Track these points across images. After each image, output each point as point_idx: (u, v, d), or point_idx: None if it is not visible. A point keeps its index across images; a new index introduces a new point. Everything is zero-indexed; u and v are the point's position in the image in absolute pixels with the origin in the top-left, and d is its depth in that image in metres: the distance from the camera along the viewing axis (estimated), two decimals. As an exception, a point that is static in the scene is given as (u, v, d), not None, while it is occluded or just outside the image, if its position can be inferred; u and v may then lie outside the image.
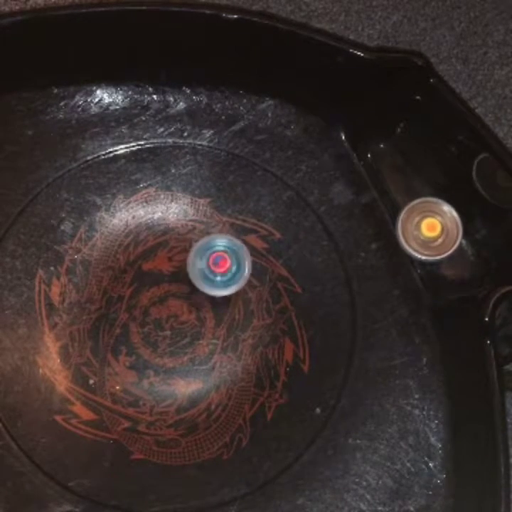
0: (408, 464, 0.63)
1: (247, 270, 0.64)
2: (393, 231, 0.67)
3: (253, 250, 0.67)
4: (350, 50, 0.64)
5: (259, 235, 0.68)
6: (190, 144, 0.69)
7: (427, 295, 0.67)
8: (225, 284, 0.64)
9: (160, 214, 0.68)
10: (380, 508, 0.62)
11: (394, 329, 0.66)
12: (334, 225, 0.68)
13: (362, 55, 0.64)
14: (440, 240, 0.65)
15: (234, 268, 0.64)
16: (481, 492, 0.59)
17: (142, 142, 0.69)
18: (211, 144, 0.69)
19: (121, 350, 0.66)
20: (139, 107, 0.69)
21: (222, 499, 0.62)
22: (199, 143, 0.69)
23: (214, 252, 0.64)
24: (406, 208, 0.66)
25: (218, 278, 0.64)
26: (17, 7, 0.76)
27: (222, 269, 0.64)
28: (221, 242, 0.65)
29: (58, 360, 0.65)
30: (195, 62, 0.67)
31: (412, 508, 0.62)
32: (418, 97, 0.66)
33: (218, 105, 0.69)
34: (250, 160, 0.69)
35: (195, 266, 0.64)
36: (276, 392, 0.65)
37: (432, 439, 0.63)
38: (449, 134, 0.65)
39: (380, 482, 0.63)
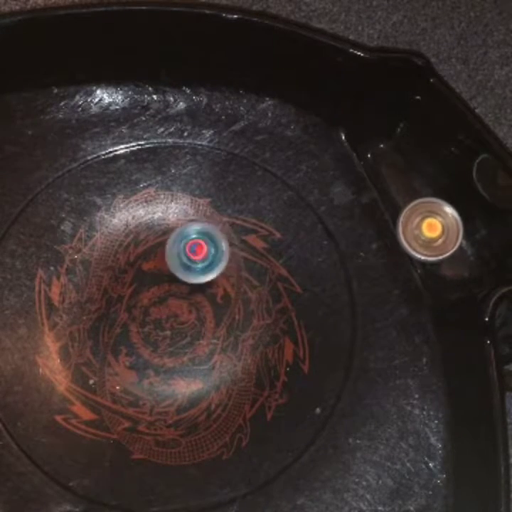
0: (408, 464, 0.63)
1: (225, 249, 0.64)
2: (393, 231, 0.67)
3: (253, 250, 0.67)
4: (350, 50, 0.64)
5: (259, 235, 0.68)
6: (190, 143, 0.69)
7: (427, 295, 0.67)
8: (208, 269, 0.64)
9: (160, 214, 0.68)
10: (380, 508, 0.62)
11: (394, 329, 0.66)
12: (334, 225, 0.68)
13: (362, 55, 0.64)
14: (441, 241, 0.65)
15: (212, 251, 0.64)
16: (481, 492, 0.59)
17: (142, 142, 0.69)
18: (211, 144, 0.69)
19: (121, 350, 0.66)
20: (139, 107, 0.69)
21: (222, 499, 0.62)
22: (199, 143, 0.69)
23: (189, 241, 0.64)
24: (407, 208, 0.66)
25: (199, 265, 0.64)
26: (17, 7, 0.76)
27: (200, 256, 0.64)
28: (193, 229, 0.65)
29: (58, 360, 0.65)
30: (195, 62, 0.67)
31: (412, 508, 0.62)
32: (418, 97, 0.66)
33: (218, 105, 0.69)
34: (250, 160, 0.69)
35: (174, 259, 0.64)
36: (276, 392, 0.65)
37: (432, 439, 0.63)
38: (449, 134, 0.65)
39: (380, 482, 0.63)
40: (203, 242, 0.64)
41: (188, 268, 0.64)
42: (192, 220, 0.68)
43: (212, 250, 0.64)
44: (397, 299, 0.67)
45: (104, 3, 0.66)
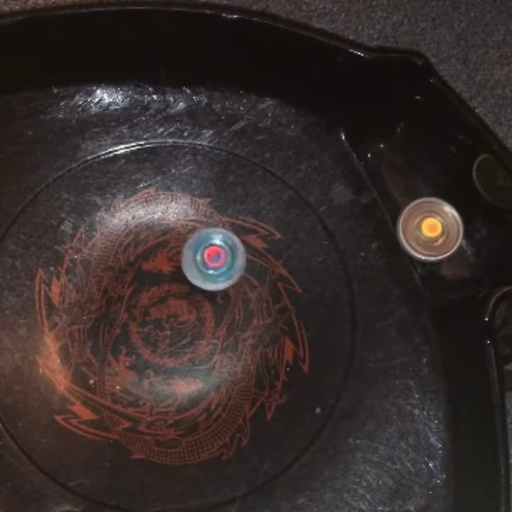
0: (408, 464, 0.63)
1: (241, 264, 0.64)
2: (393, 231, 0.67)
3: (253, 250, 0.67)
4: (350, 50, 0.64)
5: (259, 235, 0.68)
6: (190, 143, 0.69)
7: (427, 295, 0.67)
8: (220, 279, 0.64)
9: (160, 214, 0.68)
10: (380, 508, 0.62)
11: (394, 329, 0.66)
12: (334, 225, 0.68)
13: (362, 55, 0.64)
14: (441, 241, 0.65)
15: (228, 262, 0.64)
16: (481, 492, 0.59)
17: (142, 142, 0.69)
18: (211, 144, 0.69)
19: (121, 350, 0.66)
20: (139, 107, 0.69)
21: (222, 499, 0.62)
22: (199, 143, 0.69)
23: (209, 246, 0.65)
24: (407, 208, 0.66)
25: (213, 272, 0.64)
26: (17, 7, 0.76)
27: (217, 264, 0.64)
28: (217, 236, 0.65)
29: (58, 360, 0.65)
30: (195, 62, 0.67)
31: (412, 508, 0.62)
32: (418, 97, 0.66)
33: (218, 105, 0.69)
34: (250, 160, 0.69)
35: (190, 260, 0.64)
36: (276, 392, 0.65)
37: (432, 439, 0.63)
38: (449, 134, 0.65)
39: (380, 482, 0.63)
40: (220, 249, 0.64)
41: (204, 275, 0.64)
42: (203, 225, 0.68)
43: (230, 257, 0.64)
44: (397, 299, 0.67)
45: (104, 3, 0.66)
